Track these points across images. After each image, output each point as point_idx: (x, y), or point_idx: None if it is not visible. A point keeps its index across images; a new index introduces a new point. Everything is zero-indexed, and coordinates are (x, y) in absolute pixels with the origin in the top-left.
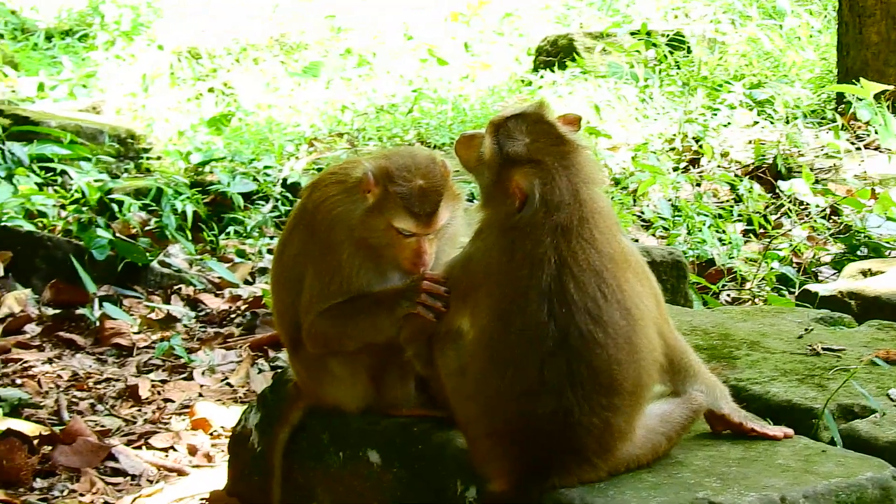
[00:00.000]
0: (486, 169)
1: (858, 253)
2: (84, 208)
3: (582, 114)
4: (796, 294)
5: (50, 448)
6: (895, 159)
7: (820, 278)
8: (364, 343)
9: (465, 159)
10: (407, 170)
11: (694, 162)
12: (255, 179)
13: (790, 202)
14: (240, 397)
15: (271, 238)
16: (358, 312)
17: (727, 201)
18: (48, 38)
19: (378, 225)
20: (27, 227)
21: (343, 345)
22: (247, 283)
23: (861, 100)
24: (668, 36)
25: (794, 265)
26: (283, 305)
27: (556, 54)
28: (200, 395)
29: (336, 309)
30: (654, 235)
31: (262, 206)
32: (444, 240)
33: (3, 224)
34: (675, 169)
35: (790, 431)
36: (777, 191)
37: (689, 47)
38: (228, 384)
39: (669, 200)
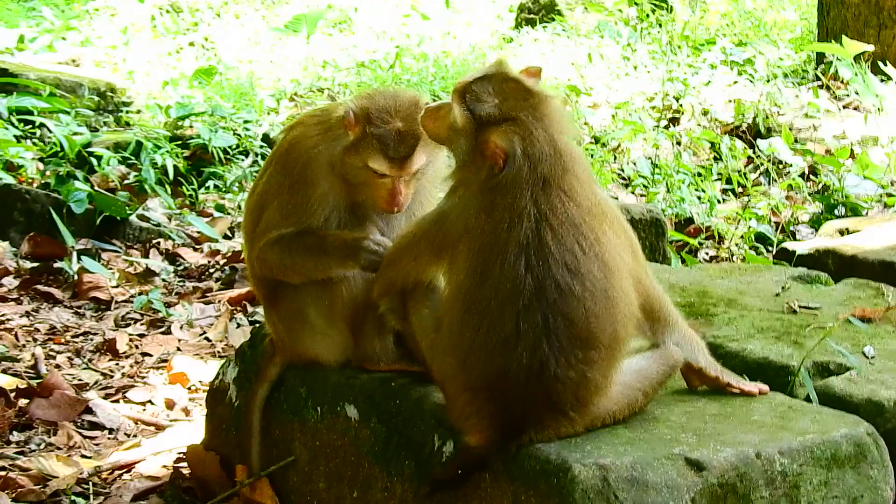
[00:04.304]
0: (461, 136)
1: (836, 212)
2: (63, 161)
3: (564, 72)
4: (774, 252)
5: (27, 401)
6: (873, 119)
7: (798, 237)
8: (306, 279)
9: (434, 132)
10: (387, 112)
11: (674, 121)
12: (235, 134)
13: (769, 161)
14: (218, 352)
15: None
16: (306, 252)
17: (707, 160)
18: None
19: (355, 163)
20: (5, 179)
21: (287, 276)
22: (226, 237)
23: (841, 60)
24: None
25: (773, 224)
26: None
27: (537, 11)
28: (178, 349)
29: (286, 242)
30: (633, 193)
31: (242, 160)
32: (424, 180)
33: None
34: (656, 127)
35: (766, 388)
36: (756, 150)
37: (670, 6)
38: (206, 339)
39: (649, 158)
